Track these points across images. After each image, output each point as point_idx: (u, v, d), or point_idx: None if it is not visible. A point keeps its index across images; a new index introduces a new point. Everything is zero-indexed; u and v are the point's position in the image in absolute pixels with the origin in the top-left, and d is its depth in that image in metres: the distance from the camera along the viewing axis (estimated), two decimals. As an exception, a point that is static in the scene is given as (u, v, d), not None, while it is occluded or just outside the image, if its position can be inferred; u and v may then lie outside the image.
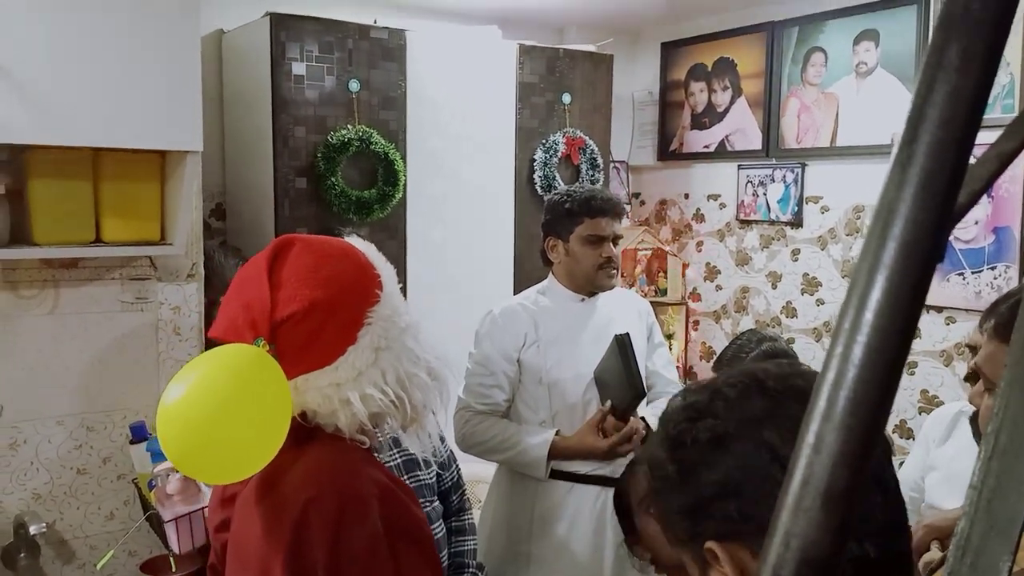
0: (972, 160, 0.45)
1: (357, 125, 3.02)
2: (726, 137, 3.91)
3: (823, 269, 3.56)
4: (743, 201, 3.84)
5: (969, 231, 2.97)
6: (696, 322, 4.14)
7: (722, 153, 3.94)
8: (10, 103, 1.98)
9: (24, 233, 2.21)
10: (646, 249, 4.10)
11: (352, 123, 3.02)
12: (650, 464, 0.86)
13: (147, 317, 2.48)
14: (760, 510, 0.73)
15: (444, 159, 3.28)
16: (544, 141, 3.49)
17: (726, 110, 3.91)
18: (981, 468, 0.50)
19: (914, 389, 3.20)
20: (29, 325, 2.33)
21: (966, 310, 3.03)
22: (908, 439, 3.16)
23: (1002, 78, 2.90)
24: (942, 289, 3.05)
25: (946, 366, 3.13)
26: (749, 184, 3.81)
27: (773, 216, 3.71)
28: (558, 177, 3.49)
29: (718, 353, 2.79)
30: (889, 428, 3.11)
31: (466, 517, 2.18)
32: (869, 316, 0.41)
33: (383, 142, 3.05)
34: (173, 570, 2.14)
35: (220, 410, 1.08)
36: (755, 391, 0.80)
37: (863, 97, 3.36)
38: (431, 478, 2.07)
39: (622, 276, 2.40)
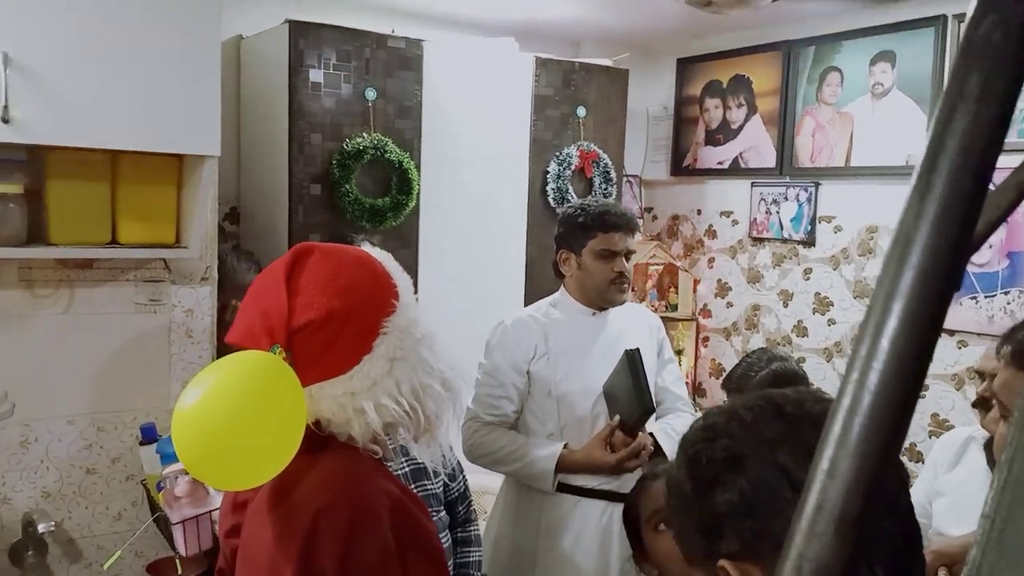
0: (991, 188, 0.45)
1: (372, 133, 3.04)
2: (740, 154, 3.91)
3: (835, 289, 3.55)
4: (756, 218, 3.84)
5: (983, 255, 2.96)
6: (706, 338, 4.14)
7: (736, 170, 3.94)
8: (32, 104, 2.00)
9: (41, 233, 2.23)
10: (657, 264, 4.10)
11: (367, 131, 3.04)
12: (668, 483, 0.88)
13: (160, 319, 2.50)
14: (773, 530, 0.74)
15: (458, 169, 3.29)
16: (558, 154, 3.50)
17: (740, 127, 3.91)
18: (994, 497, 0.50)
19: (924, 412, 3.18)
20: (43, 324, 2.35)
21: (978, 334, 3.01)
22: (918, 462, 3.15)
23: (1021, 103, 2.90)
24: (955, 312, 3.04)
25: (957, 390, 3.12)
26: (762, 202, 3.81)
27: (786, 234, 3.71)
28: (571, 190, 3.49)
29: (727, 370, 2.79)
30: (898, 450, 3.10)
31: (472, 528, 2.19)
32: (885, 344, 0.42)
33: (398, 151, 3.07)
34: (179, 572, 2.15)
35: (236, 416, 1.08)
36: (772, 415, 0.81)
37: (878, 118, 3.36)
38: (438, 488, 2.08)
39: (632, 290, 2.40)
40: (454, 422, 1.30)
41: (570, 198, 3.44)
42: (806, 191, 3.61)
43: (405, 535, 1.18)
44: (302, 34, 2.91)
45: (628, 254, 2.32)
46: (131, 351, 2.47)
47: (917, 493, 2.19)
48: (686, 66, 4.17)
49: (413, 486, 1.99)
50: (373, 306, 1.20)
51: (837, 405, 0.43)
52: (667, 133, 4.26)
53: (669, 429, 2.34)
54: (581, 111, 3.55)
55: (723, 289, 4.04)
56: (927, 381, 3.15)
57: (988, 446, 2.00)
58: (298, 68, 2.91)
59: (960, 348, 3.10)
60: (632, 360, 2.18)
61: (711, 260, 4.10)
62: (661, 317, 2.74)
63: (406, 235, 3.18)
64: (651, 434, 2.29)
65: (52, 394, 2.38)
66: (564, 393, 2.29)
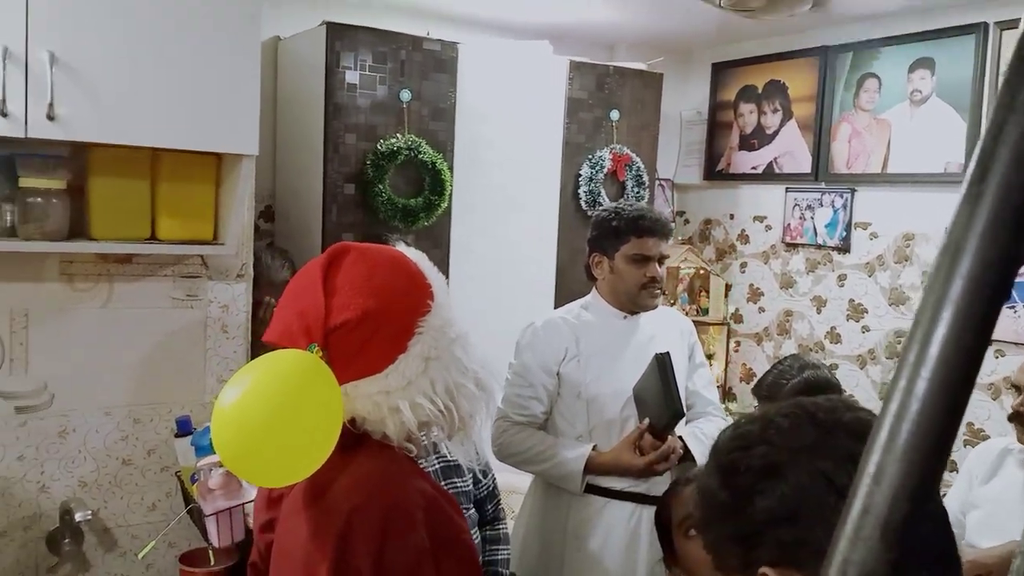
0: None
1: (406, 134, 3.06)
2: (775, 159, 3.89)
3: (870, 296, 3.52)
4: (789, 224, 3.82)
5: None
6: (737, 343, 4.11)
7: (770, 175, 3.92)
8: (76, 102, 2.05)
9: (82, 228, 2.28)
10: (689, 268, 4.08)
11: (402, 132, 3.06)
12: (702, 492, 0.87)
13: (196, 314, 2.54)
14: (815, 535, 0.74)
15: (490, 171, 3.30)
16: (591, 157, 3.50)
17: (775, 132, 3.88)
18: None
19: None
20: (83, 317, 2.40)
21: (1016, 343, 2.97)
22: (952, 472, 3.11)
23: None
24: (991, 322, 3.00)
25: (994, 399, 3.08)
26: (796, 207, 3.78)
27: (820, 240, 3.68)
28: (603, 193, 3.49)
29: (758, 376, 2.77)
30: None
31: (501, 526, 2.20)
32: (934, 351, 0.42)
33: (431, 152, 3.09)
34: (211, 563, 2.18)
35: (274, 414, 1.09)
36: (806, 422, 0.81)
37: (916, 125, 3.32)
38: (468, 485, 2.09)
39: (664, 294, 2.40)
40: (486, 421, 1.31)
41: (602, 201, 3.44)
42: (841, 197, 3.58)
43: (439, 534, 1.19)
44: (339, 36, 2.94)
45: (661, 259, 2.31)
46: (168, 345, 2.51)
47: (951, 503, 2.16)
48: (721, 71, 4.15)
49: (443, 483, 2.00)
50: (408, 306, 1.21)
51: (884, 411, 0.43)
52: (700, 137, 4.25)
53: (699, 433, 2.33)
54: (614, 114, 3.55)
55: (755, 294, 4.02)
56: (962, 391, 3.11)
57: None
58: (334, 69, 2.94)
59: (997, 357, 3.06)
60: (662, 364, 2.17)
61: (743, 265, 4.08)
62: (692, 321, 2.73)
63: (438, 235, 3.20)
64: (680, 437, 2.28)
65: (90, 386, 2.42)
66: (594, 395, 2.28)
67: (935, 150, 3.25)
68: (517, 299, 3.32)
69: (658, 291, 2.32)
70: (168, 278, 2.49)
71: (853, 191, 3.55)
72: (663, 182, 4.22)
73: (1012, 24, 3.01)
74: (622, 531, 2.27)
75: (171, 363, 2.52)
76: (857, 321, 3.56)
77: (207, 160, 2.36)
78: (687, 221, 4.38)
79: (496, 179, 3.32)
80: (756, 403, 2.66)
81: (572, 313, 2.38)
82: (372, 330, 1.17)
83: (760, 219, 4.00)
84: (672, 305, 3.92)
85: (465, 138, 3.22)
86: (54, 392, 2.38)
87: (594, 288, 2.41)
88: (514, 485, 2.69)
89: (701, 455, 2.27)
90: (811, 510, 0.77)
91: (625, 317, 2.35)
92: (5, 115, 1.97)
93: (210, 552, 2.19)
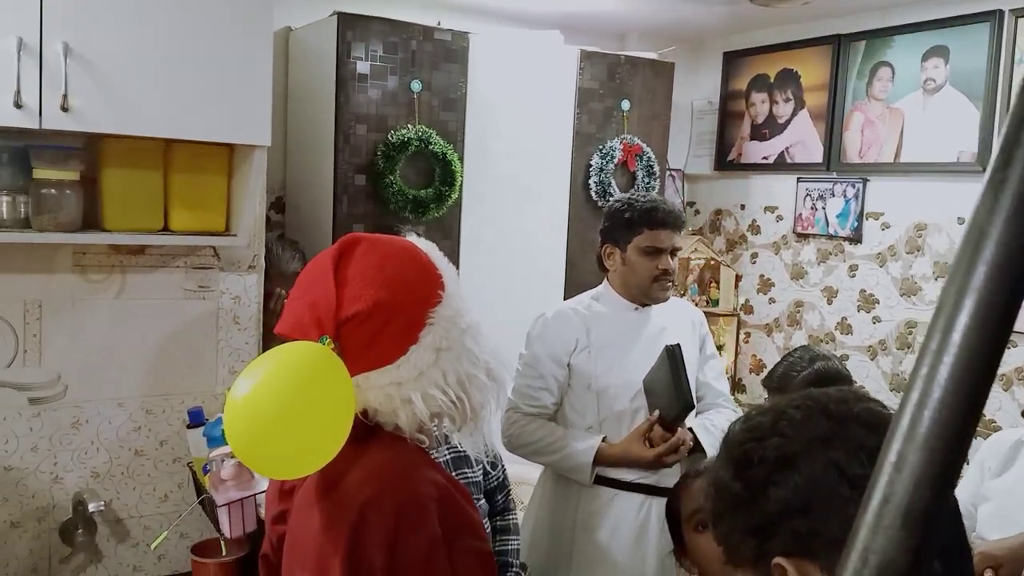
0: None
1: (417, 125, 3.05)
2: (786, 149, 3.87)
3: (881, 286, 3.50)
4: (801, 214, 3.80)
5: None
6: (747, 334, 4.10)
7: (781, 165, 3.90)
8: (90, 93, 2.05)
9: (95, 219, 2.29)
10: (699, 259, 4.07)
11: (412, 123, 3.05)
12: (714, 485, 0.88)
13: (208, 305, 2.54)
14: (829, 526, 0.75)
15: (501, 161, 3.30)
16: (601, 147, 3.49)
17: (787, 122, 3.86)
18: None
19: (971, 413, 3.12)
20: (96, 308, 2.41)
21: (1029, 335, 2.96)
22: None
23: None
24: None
25: (1005, 390, 3.06)
26: (808, 197, 3.76)
27: (831, 231, 3.66)
28: (614, 183, 3.48)
29: (768, 367, 2.76)
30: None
31: (511, 516, 2.20)
32: (956, 338, 0.42)
33: (442, 143, 3.08)
34: (223, 554, 2.19)
35: (287, 406, 1.09)
36: (818, 413, 0.82)
37: (930, 114, 3.30)
38: (479, 476, 2.09)
39: (674, 286, 2.39)
40: (496, 412, 1.31)
41: (612, 192, 3.43)
42: (853, 187, 3.56)
43: (451, 525, 1.19)
44: (350, 26, 2.93)
45: (674, 251, 2.30)
46: (180, 336, 2.52)
47: (961, 494, 2.15)
48: (732, 60, 4.13)
49: (454, 473, 2.00)
50: (420, 297, 1.21)
51: (906, 399, 0.43)
52: (711, 127, 4.23)
53: (709, 425, 2.33)
54: (625, 104, 3.54)
55: (765, 285, 4.01)
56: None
57: None
58: (345, 60, 2.93)
59: (1009, 348, 3.04)
60: (672, 356, 2.17)
61: (754, 255, 4.07)
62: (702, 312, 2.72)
63: (448, 226, 3.20)
64: (690, 429, 2.28)
65: (103, 377, 2.43)
66: (604, 387, 2.28)
67: (948, 139, 3.23)
68: (527, 290, 3.32)
69: (670, 283, 2.31)
70: (180, 269, 2.50)
71: (865, 181, 3.54)
72: (674, 172, 4.20)
73: (1027, 12, 2.99)
74: (631, 522, 2.27)
75: (183, 354, 2.53)
76: (868, 312, 3.55)
77: (219, 151, 2.36)
78: (697, 211, 4.37)
79: (506, 169, 3.31)
80: (766, 394, 2.65)
81: (583, 304, 2.38)
82: (383, 321, 1.17)
83: (771, 209, 3.98)
84: (682, 296, 3.91)
85: (476, 128, 3.21)
86: (67, 383, 2.39)
87: (605, 279, 2.40)
88: (524, 476, 2.69)
89: (711, 447, 2.26)
90: (824, 501, 0.77)
91: (636, 309, 2.35)
92: (20, 106, 1.97)
93: (222, 543, 2.20)
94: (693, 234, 4.22)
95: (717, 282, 4.08)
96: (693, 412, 2.28)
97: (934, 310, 0.43)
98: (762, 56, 3.98)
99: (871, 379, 3.50)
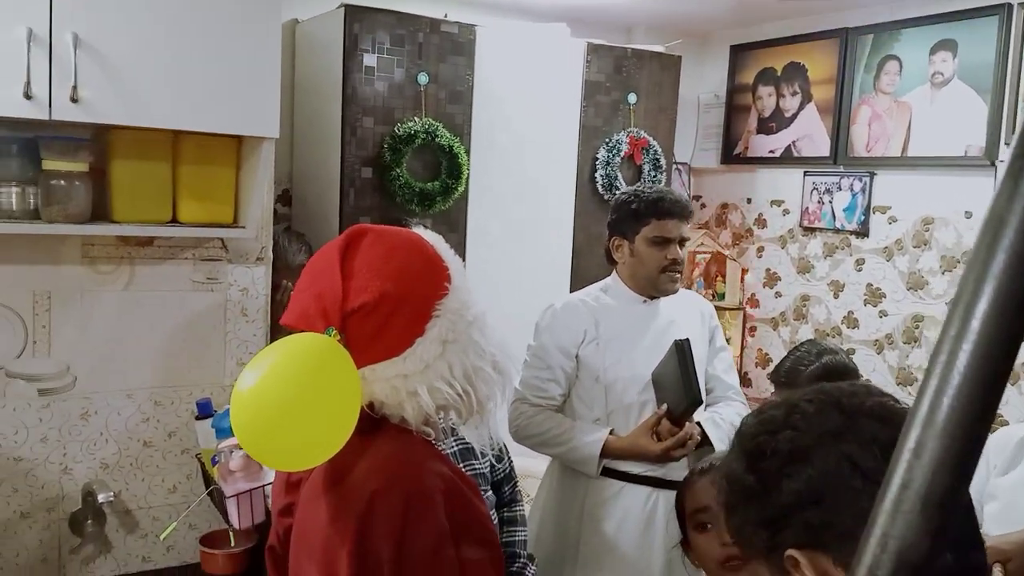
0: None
1: (424, 118, 3.05)
2: (793, 143, 3.86)
3: (888, 280, 3.50)
4: (807, 208, 3.79)
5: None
6: (753, 328, 4.10)
7: (788, 159, 3.89)
8: (99, 85, 2.06)
9: (104, 210, 2.29)
10: (705, 252, 4.07)
11: (419, 116, 3.06)
12: (727, 478, 0.88)
13: (216, 297, 2.55)
14: (841, 518, 0.76)
15: (507, 154, 3.30)
16: (607, 140, 3.48)
17: (794, 115, 3.86)
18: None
19: (977, 407, 3.12)
20: (105, 300, 2.41)
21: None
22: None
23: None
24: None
25: (1012, 384, 3.06)
26: (815, 191, 3.76)
27: (838, 224, 3.66)
28: (620, 176, 3.48)
29: (774, 361, 2.76)
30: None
31: (518, 508, 2.21)
32: (976, 324, 0.42)
33: (448, 135, 3.08)
34: (232, 544, 2.20)
35: (292, 398, 1.09)
36: (831, 407, 0.83)
37: (937, 108, 3.29)
38: (486, 467, 2.10)
39: (681, 276, 2.38)
40: (503, 405, 1.31)
41: (619, 185, 3.43)
42: (860, 181, 3.56)
43: (459, 517, 1.18)
44: (357, 18, 2.93)
45: (682, 241, 2.30)
46: (188, 328, 2.52)
47: (970, 491, 2.14)
48: (739, 53, 4.12)
49: (461, 465, 2.01)
50: (426, 289, 1.21)
51: (924, 386, 0.43)
52: (718, 121, 4.22)
53: (718, 418, 2.33)
54: (632, 98, 3.53)
55: (772, 279, 4.00)
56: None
57: None
58: (352, 52, 2.94)
59: (1017, 344, 3.04)
60: (681, 351, 2.17)
61: (760, 249, 4.06)
62: (709, 306, 2.72)
63: (455, 219, 3.20)
64: (698, 423, 2.28)
65: (112, 368, 2.44)
66: (612, 379, 2.28)
67: (956, 133, 3.22)
68: (533, 283, 3.32)
69: (678, 275, 2.31)
70: (188, 261, 2.51)
71: (872, 175, 3.53)
72: (680, 166, 4.20)
73: (1036, 5, 2.98)
74: (638, 515, 2.27)
75: (191, 346, 2.53)
76: (875, 306, 3.54)
77: (228, 143, 2.37)
78: (704, 205, 4.36)
79: (513, 163, 3.31)
80: (773, 389, 2.65)
81: (592, 296, 2.38)
82: (390, 313, 1.17)
83: (778, 203, 3.98)
84: (689, 289, 3.91)
85: (482, 121, 3.21)
86: (76, 374, 2.40)
87: (614, 272, 2.40)
88: (530, 469, 2.70)
89: (719, 440, 2.27)
90: (837, 493, 0.78)
91: (645, 301, 2.35)
92: (30, 97, 1.98)
93: (230, 533, 2.21)
94: (699, 228, 4.21)
95: (723, 276, 4.08)
96: (702, 406, 2.28)
97: (953, 297, 0.44)
98: (769, 49, 3.97)
99: (878, 373, 3.49)
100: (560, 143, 3.42)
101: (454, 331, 1.21)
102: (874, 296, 3.55)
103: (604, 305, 2.34)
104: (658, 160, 3.58)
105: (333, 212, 3.03)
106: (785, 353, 2.77)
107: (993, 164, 3.10)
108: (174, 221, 2.35)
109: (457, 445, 2.05)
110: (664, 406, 2.22)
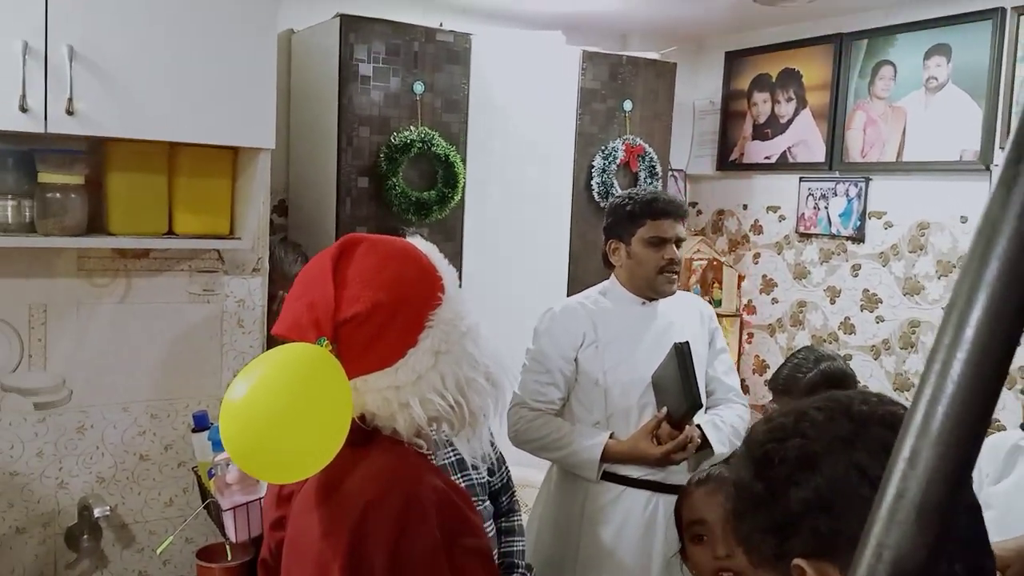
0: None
1: (420, 127, 3.06)
2: (788, 149, 3.87)
3: (884, 286, 3.50)
4: (803, 214, 3.80)
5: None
6: (750, 334, 4.10)
7: (783, 165, 3.90)
8: (95, 97, 2.06)
9: (100, 223, 2.29)
10: (702, 259, 4.07)
11: (415, 124, 3.06)
12: (735, 485, 0.88)
13: (213, 309, 2.55)
14: (850, 526, 0.75)
15: (504, 162, 3.30)
16: (603, 147, 3.49)
17: (789, 121, 3.86)
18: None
19: (975, 412, 3.12)
20: (100, 312, 2.41)
21: (1033, 333, 2.95)
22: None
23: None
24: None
25: (1008, 389, 3.06)
26: (810, 197, 3.76)
27: (834, 230, 3.66)
28: (616, 184, 3.49)
29: (772, 367, 2.77)
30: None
31: (515, 518, 2.20)
32: (969, 333, 0.42)
33: (444, 144, 3.08)
34: (228, 558, 2.19)
35: (282, 409, 1.08)
36: (841, 415, 0.82)
37: (932, 112, 3.30)
38: (483, 477, 2.09)
39: (678, 276, 2.39)
40: (496, 416, 1.29)
41: (615, 192, 3.43)
42: (856, 186, 3.56)
43: (452, 529, 1.18)
44: (353, 28, 2.94)
45: (678, 241, 2.31)
46: (184, 340, 2.52)
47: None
48: (734, 59, 4.13)
49: (460, 475, 2.00)
50: (419, 299, 1.20)
51: (919, 395, 0.43)
52: (713, 127, 4.23)
53: (718, 420, 2.33)
54: (627, 105, 3.54)
55: (768, 285, 4.01)
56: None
57: None
58: (348, 62, 2.94)
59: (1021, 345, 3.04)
60: (681, 354, 2.17)
61: (756, 256, 4.06)
62: (707, 310, 2.72)
63: (451, 228, 3.20)
64: (698, 426, 2.27)
65: (108, 381, 2.44)
66: (612, 383, 2.28)
67: (951, 138, 3.23)
68: (530, 291, 3.32)
69: (676, 275, 2.31)
70: (184, 273, 2.50)
71: (868, 180, 3.53)
72: (676, 172, 4.20)
73: (1029, 10, 2.99)
74: (638, 519, 2.27)
75: (188, 358, 2.53)
76: (871, 311, 3.54)
77: (223, 154, 2.37)
78: (700, 212, 4.36)
79: (509, 171, 3.31)
80: (771, 397, 2.65)
81: (590, 299, 2.38)
82: (382, 324, 1.16)
83: (773, 209, 3.98)
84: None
85: (478, 130, 3.22)
86: (72, 388, 2.39)
87: (612, 275, 2.40)
88: (528, 479, 2.69)
89: (720, 443, 2.27)
90: (846, 501, 0.78)
91: (643, 303, 2.35)
92: (25, 110, 1.98)
93: (227, 547, 2.19)
94: (696, 234, 4.21)
95: (720, 282, 4.08)
96: (702, 408, 2.28)
97: (947, 305, 0.43)
98: (764, 56, 3.98)
99: (875, 379, 3.49)
100: (556, 151, 3.43)
101: (447, 342, 1.20)
102: (870, 302, 3.55)
103: (603, 308, 2.34)
104: (654, 167, 3.59)
105: (330, 222, 3.03)
106: (782, 359, 2.77)
107: (988, 168, 3.11)
108: (170, 233, 2.34)
109: (455, 456, 2.04)
110: (664, 409, 2.22)
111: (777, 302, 3.97)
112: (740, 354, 4.09)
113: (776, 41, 3.91)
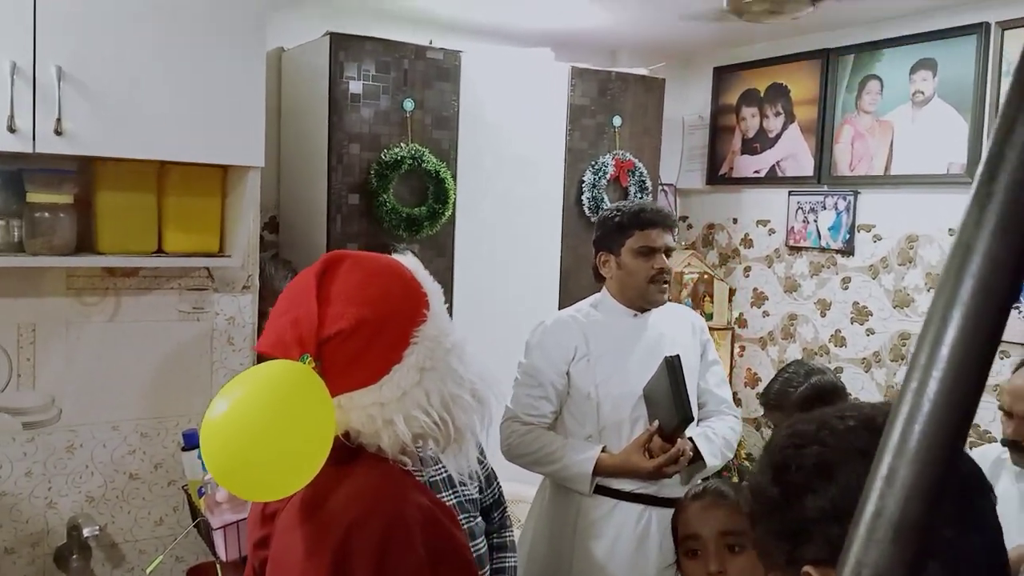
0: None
1: (410, 143, 3.06)
2: (777, 163, 3.89)
3: (874, 299, 3.51)
4: (793, 227, 3.82)
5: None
6: (742, 348, 4.11)
7: (772, 179, 3.92)
8: (84, 117, 2.06)
9: (89, 241, 2.29)
10: (692, 273, 4.08)
11: (405, 141, 3.07)
12: (751, 488, 0.89)
13: (203, 327, 2.54)
14: None
15: (494, 178, 3.31)
16: (593, 163, 3.50)
17: (778, 136, 3.89)
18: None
19: (966, 423, 3.12)
20: (90, 331, 2.40)
21: (1022, 344, 2.96)
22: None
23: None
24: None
25: (998, 401, 3.06)
26: (800, 210, 3.78)
27: (823, 243, 3.68)
28: (606, 199, 3.50)
29: (763, 380, 2.77)
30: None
31: (507, 534, 2.19)
32: (945, 352, 0.42)
33: (435, 160, 3.09)
34: (219, 576, 2.18)
35: (264, 426, 1.07)
36: (861, 426, 0.83)
37: (919, 126, 3.32)
38: (474, 493, 2.08)
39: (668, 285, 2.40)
40: (482, 433, 1.29)
41: (605, 207, 3.45)
42: (845, 200, 3.58)
43: (438, 549, 1.17)
44: (343, 46, 2.95)
45: (667, 251, 2.31)
46: (174, 358, 2.51)
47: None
48: (723, 75, 4.16)
49: (450, 492, 1.99)
50: (403, 315, 1.19)
51: (895, 413, 0.43)
52: (703, 142, 4.25)
53: (710, 433, 2.33)
54: (617, 120, 3.56)
55: (759, 298, 4.02)
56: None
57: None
58: (338, 80, 2.95)
59: (1002, 358, 3.05)
60: (672, 368, 2.17)
61: (747, 269, 4.08)
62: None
63: (442, 244, 3.20)
64: (691, 439, 2.27)
65: (97, 400, 2.43)
66: (604, 396, 2.28)
67: (938, 151, 3.25)
68: (521, 306, 3.32)
69: (666, 285, 2.32)
70: (174, 291, 2.50)
71: (856, 193, 3.55)
72: (666, 187, 4.22)
73: (1014, 24, 3.02)
74: (631, 532, 2.26)
75: (178, 376, 2.52)
76: (861, 324, 3.56)
77: (213, 172, 2.37)
78: (690, 226, 4.38)
79: (499, 187, 3.32)
80: (763, 412, 2.65)
81: (582, 312, 2.38)
82: (366, 340, 1.15)
83: (763, 223, 4.00)
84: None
85: (468, 146, 3.23)
86: (61, 407, 2.38)
87: (603, 288, 2.41)
88: (520, 495, 2.69)
89: (712, 455, 2.27)
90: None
91: (635, 315, 2.35)
92: (13, 131, 1.98)
93: (217, 566, 2.18)
94: (686, 248, 4.23)
95: (711, 296, 4.09)
96: (694, 421, 2.27)
97: (922, 324, 0.44)
98: (752, 71, 4.01)
99: (866, 391, 3.50)
100: (546, 166, 3.44)
101: (432, 358, 1.19)
102: (860, 314, 3.56)
103: (594, 321, 2.35)
104: (644, 182, 3.60)
105: (320, 239, 3.03)
106: (774, 372, 2.78)
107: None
108: (160, 251, 2.34)
109: (444, 472, 2.03)
110: (656, 423, 2.22)
111: (768, 315, 3.98)
112: (732, 367, 4.10)
113: (764, 56, 3.94)
